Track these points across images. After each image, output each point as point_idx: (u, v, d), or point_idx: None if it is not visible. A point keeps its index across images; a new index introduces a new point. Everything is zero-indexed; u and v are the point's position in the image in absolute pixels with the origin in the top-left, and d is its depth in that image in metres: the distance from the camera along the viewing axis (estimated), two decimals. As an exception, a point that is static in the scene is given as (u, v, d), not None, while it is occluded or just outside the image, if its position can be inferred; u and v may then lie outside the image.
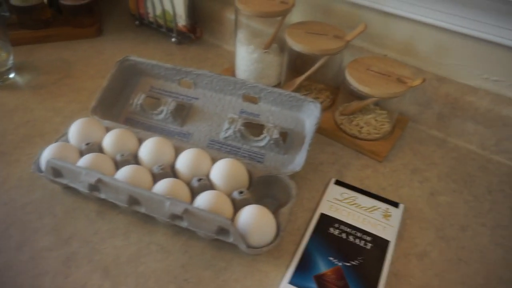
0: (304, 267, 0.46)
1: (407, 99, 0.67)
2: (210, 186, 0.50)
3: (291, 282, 0.44)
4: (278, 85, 0.73)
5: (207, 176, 0.51)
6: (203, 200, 0.46)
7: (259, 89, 0.61)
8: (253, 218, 0.45)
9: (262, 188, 0.54)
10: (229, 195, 0.49)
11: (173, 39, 0.86)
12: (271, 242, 0.45)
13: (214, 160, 0.53)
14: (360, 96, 0.63)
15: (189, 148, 0.54)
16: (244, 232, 0.44)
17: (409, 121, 0.69)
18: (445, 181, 0.59)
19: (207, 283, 0.45)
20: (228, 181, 0.50)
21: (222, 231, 0.45)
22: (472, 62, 0.62)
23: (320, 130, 0.66)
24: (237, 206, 0.48)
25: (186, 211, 0.44)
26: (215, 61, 0.83)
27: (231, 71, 0.77)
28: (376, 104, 0.67)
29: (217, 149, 0.60)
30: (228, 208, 0.47)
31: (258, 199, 0.54)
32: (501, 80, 0.61)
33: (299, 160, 0.55)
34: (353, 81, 0.59)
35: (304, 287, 0.44)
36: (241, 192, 0.48)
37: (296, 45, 0.62)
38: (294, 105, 0.60)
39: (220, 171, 0.50)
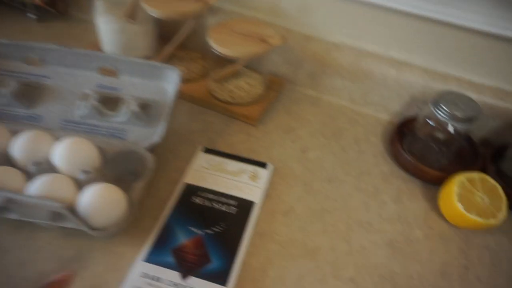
0: (162, 241, 0.43)
1: (279, 59, 0.66)
2: (50, 169, 0.45)
3: (147, 260, 0.41)
4: (150, 58, 0.68)
5: (45, 158, 0.46)
6: (37, 186, 0.41)
7: (114, 60, 0.56)
8: (95, 198, 0.41)
9: (121, 165, 0.50)
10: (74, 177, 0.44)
11: (29, 15, 0.76)
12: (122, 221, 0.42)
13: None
14: (230, 61, 0.61)
15: (26, 131, 0.47)
16: (86, 213, 0.40)
17: (286, 82, 0.68)
18: (316, 137, 0.60)
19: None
20: (70, 162, 0.44)
21: (59, 216, 0.40)
22: (334, 20, 0.63)
23: (193, 100, 0.63)
24: (84, 187, 0.44)
25: (9, 200, 0.38)
26: (82, 37, 0.76)
27: (97, 45, 0.71)
28: (248, 67, 0.65)
29: (73, 129, 0.54)
30: (69, 191, 0.42)
31: (116, 178, 0.49)
32: (360, 34, 0.62)
33: (160, 131, 0.52)
34: (213, 43, 0.56)
35: (160, 262, 0.41)
36: (86, 172, 0.44)
37: (152, 10, 0.58)
38: (155, 74, 0.56)
39: (60, 152, 0.45)
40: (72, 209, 0.41)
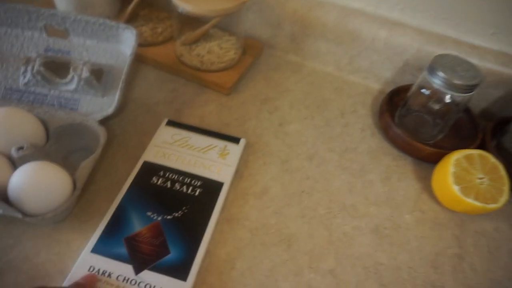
0: (114, 229, 0.37)
1: (256, 20, 0.58)
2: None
3: (95, 250, 0.36)
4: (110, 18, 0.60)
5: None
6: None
7: (60, 18, 0.48)
8: (29, 178, 0.34)
9: (71, 140, 0.43)
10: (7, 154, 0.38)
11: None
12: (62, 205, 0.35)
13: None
14: (200, 21, 0.53)
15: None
16: (18, 197, 0.34)
17: (264, 46, 0.61)
18: (297, 108, 0.53)
19: (-20, 270, 0.35)
20: (4, 136, 0.38)
21: (-15, 201, 0.34)
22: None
23: (159, 65, 0.56)
24: (19, 166, 0.37)
25: None
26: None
27: (51, 4, 0.62)
28: (222, 29, 0.57)
29: (17, 99, 0.47)
30: (0, 170, 0.35)
31: (67, 154, 0.43)
32: (349, -11, 0.54)
33: (115, 101, 0.45)
34: (177, 0, 0.48)
35: (110, 253, 0.35)
36: (20, 148, 0.37)
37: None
38: (110, 35, 0.48)
39: (-11, 124, 0.38)
40: (1, 192, 0.34)
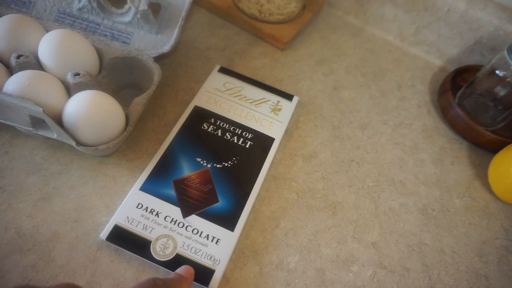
0: (162, 170, 0.37)
1: (322, -26, 0.54)
2: (36, 66, 0.37)
3: (143, 189, 0.35)
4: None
5: (33, 53, 0.37)
6: (15, 82, 0.33)
7: None
8: (86, 106, 0.33)
9: (122, 74, 0.42)
10: (63, 79, 0.36)
11: None
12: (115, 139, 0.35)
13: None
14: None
15: (9, 15, 0.38)
16: (73, 124, 0.33)
17: (325, 4, 0.57)
18: (353, 74, 0.50)
19: (30, 190, 0.35)
20: (59, 59, 0.36)
21: (42, 123, 0.33)
22: None
23: (213, 9, 0.53)
24: (73, 93, 0.36)
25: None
26: None
27: None
28: (284, -22, 0.54)
29: (69, 24, 0.45)
30: (56, 94, 0.34)
31: (116, 88, 0.42)
32: (431, -50, 0.50)
33: (172, 39, 0.43)
34: None
35: (159, 194, 0.35)
36: (76, 74, 0.36)
37: None
38: (172, -33, 0.45)
39: (47, 45, 0.36)
40: (56, 117, 0.34)
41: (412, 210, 0.40)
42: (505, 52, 0.42)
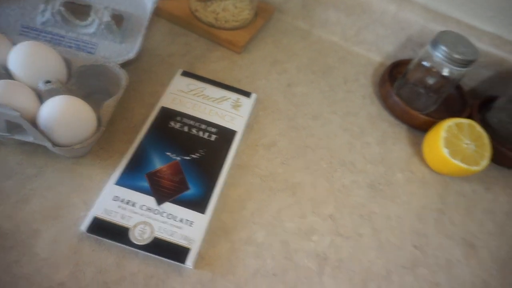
0: (136, 165, 0.40)
1: (270, -16, 0.60)
2: (5, 76, 0.39)
3: (119, 183, 0.38)
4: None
5: (1, 65, 0.40)
6: (-10, 91, 0.35)
7: (83, -40, 0.48)
8: (60, 110, 0.36)
9: (90, 82, 0.45)
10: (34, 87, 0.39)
11: None
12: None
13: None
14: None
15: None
16: (48, 127, 0.36)
17: (275, 11, 0.63)
18: (304, 72, 0.56)
19: (8, 194, 0.37)
20: (29, 69, 0.39)
21: (18, 128, 0.36)
22: None
23: (173, 19, 0.57)
24: (45, 100, 0.38)
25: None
26: None
27: None
28: (236, -12, 0.59)
29: (34, 37, 0.47)
30: (28, 101, 0.37)
31: (85, 95, 0.44)
32: (362, -39, 0.57)
33: (136, 47, 0.46)
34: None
35: (133, 186, 0.38)
36: (48, 82, 0.38)
37: None
38: (131, -18, 0.49)
39: (17, 57, 0.39)
40: (30, 122, 0.36)
41: (362, 185, 0.45)
42: (429, 46, 0.49)
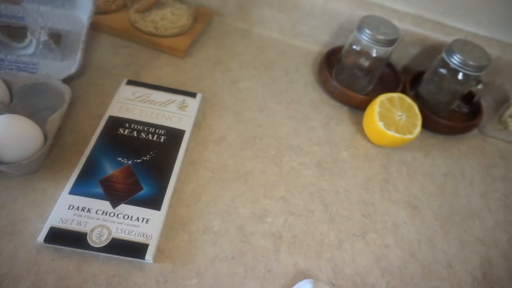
0: (87, 174, 0.41)
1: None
2: None
3: (72, 192, 0.39)
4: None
5: None
6: None
7: (13, -17, 0.49)
8: (3, 130, 0.37)
9: (34, 100, 0.45)
10: (-25, 110, 0.39)
11: None
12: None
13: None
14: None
15: None
16: (-7, 147, 0.36)
17: (215, 14, 0.65)
18: (247, 69, 0.59)
19: (-40, 217, 0.37)
20: (-32, 93, 0.39)
21: (-38, 151, 0.36)
22: None
23: (114, 32, 0.58)
24: (-12, 121, 0.39)
25: None
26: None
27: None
28: (173, -3, 0.61)
29: (-28, 64, 0.48)
30: (-29, 124, 0.37)
31: (31, 113, 0.45)
32: (287, -41, 0.60)
33: (77, 61, 0.48)
34: (130, -35, 0.51)
35: (87, 193, 0.39)
36: (-12, 103, 0.39)
37: None
38: (65, 0, 0.50)
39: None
40: (-25, 144, 0.37)
41: (310, 166, 0.48)
42: (355, 31, 0.53)
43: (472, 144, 0.56)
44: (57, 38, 0.49)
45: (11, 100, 0.43)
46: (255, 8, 0.63)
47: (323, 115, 0.55)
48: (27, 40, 0.48)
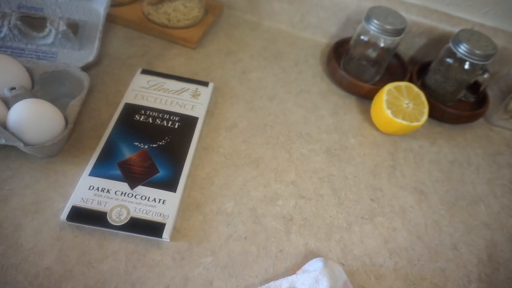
0: (106, 157, 0.43)
1: (216, -17, 0.64)
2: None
3: (92, 174, 0.41)
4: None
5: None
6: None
7: (33, -25, 0.50)
8: (27, 112, 0.38)
9: (55, 87, 0.47)
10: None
11: None
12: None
13: (-22, 60, 0.43)
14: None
15: None
16: (18, 129, 0.38)
17: (224, 7, 0.67)
18: (257, 59, 0.60)
19: (-13, 196, 0.39)
20: (-7, 79, 0.41)
21: (-12, 133, 0.38)
22: None
23: (128, 24, 0.60)
24: (11, 105, 0.41)
25: None
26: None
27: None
28: (185, -10, 0.62)
29: (-6, 53, 0.49)
30: (-4, 108, 0.39)
31: (51, 100, 0.47)
32: (297, -48, 0.61)
33: (94, 50, 0.49)
34: (144, -43, 0.52)
35: (106, 175, 0.41)
36: (12, 89, 0.41)
37: None
38: (82, -9, 0.52)
39: (-20, 68, 0.41)
40: (2, 125, 0.38)
41: (319, 152, 0.50)
42: (363, 22, 0.54)
43: (478, 133, 0.57)
44: (74, 28, 0.51)
45: (33, 86, 0.45)
46: (264, 0, 0.64)
47: (331, 104, 0.56)
48: (47, 30, 0.50)
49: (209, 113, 0.51)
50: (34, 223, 0.38)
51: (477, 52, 0.50)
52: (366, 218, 0.45)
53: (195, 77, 0.55)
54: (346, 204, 0.45)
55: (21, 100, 0.41)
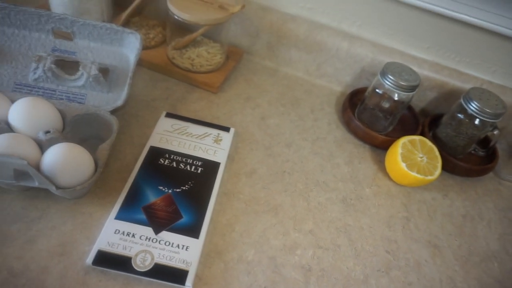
0: (132, 200, 0.44)
1: (238, 30, 0.67)
2: (6, 129, 0.43)
3: (118, 217, 0.42)
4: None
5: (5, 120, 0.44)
6: (-3, 144, 0.39)
7: (69, 22, 0.53)
8: (61, 156, 0.40)
9: (83, 129, 0.49)
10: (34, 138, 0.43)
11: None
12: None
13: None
14: (190, 29, 0.61)
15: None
16: (51, 172, 0.40)
17: (244, 53, 0.70)
18: (275, 105, 0.63)
19: (15, 236, 0.40)
20: (28, 122, 0.43)
21: (24, 175, 0.39)
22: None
23: (152, 67, 0.63)
24: (45, 148, 0.43)
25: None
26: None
27: (46, 7, 0.67)
28: (208, 37, 0.66)
29: (27, 93, 0.52)
30: (31, 150, 0.41)
31: (80, 141, 0.49)
32: (314, 7, 0.65)
33: (123, 95, 0.51)
34: (173, 8, 0.56)
35: (132, 219, 0.42)
36: (47, 132, 0.43)
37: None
38: (114, 38, 0.55)
39: (16, 112, 0.43)
40: (35, 168, 0.40)
41: (335, 201, 0.51)
42: (379, 76, 0.57)
43: (488, 187, 0.58)
44: (105, 72, 0.53)
45: (63, 127, 0.47)
46: (283, 48, 0.68)
47: (347, 152, 0.58)
48: (79, 73, 0.52)
49: (230, 158, 0.53)
50: (59, 266, 0.39)
51: (488, 110, 0.53)
52: (382, 271, 0.45)
53: (216, 121, 0.57)
54: (363, 255, 0.46)
55: (55, 143, 0.42)
